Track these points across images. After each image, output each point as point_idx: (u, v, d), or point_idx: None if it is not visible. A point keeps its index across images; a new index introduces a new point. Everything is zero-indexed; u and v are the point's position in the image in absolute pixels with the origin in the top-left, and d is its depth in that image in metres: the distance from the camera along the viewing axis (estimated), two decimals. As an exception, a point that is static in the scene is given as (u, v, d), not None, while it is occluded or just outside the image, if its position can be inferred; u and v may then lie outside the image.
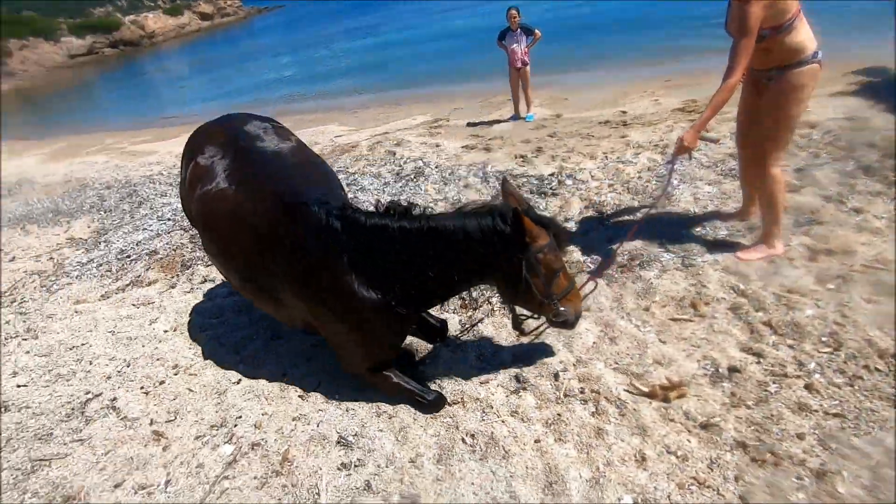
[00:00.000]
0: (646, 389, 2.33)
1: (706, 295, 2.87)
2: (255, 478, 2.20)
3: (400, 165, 5.79)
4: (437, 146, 6.60)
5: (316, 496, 2.06)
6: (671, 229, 3.49)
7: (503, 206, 2.13)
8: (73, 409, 2.84)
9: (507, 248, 2.08)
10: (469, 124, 7.59)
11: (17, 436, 2.69)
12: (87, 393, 2.95)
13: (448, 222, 2.10)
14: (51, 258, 5.27)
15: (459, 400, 2.45)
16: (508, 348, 2.74)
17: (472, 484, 2.02)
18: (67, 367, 3.27)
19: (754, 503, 1.82)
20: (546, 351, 2.66)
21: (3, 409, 2.93)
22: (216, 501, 2.11)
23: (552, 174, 4.78)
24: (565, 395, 2.39)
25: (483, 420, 2.31)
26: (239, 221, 2.38)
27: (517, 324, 2.53)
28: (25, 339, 3.74)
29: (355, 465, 2.17)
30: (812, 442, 2.00)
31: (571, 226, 3.85)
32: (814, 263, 2.95)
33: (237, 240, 2.41)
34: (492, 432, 2.23)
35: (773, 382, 2.28)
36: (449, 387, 2.55)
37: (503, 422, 2.29)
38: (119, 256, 4.89)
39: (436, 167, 5.55)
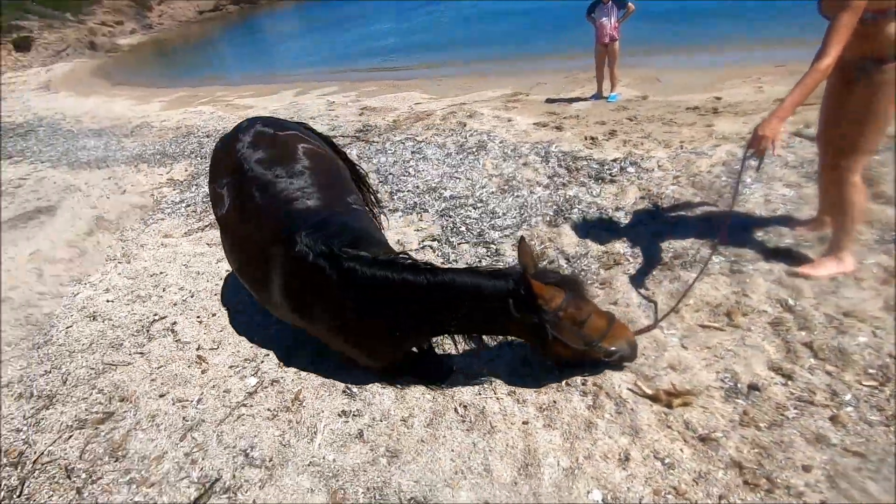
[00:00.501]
0: (650, 392, 2.25)
1: (746, 305, 2.66)
2: (268, 409, 2.46)
3: (465, 137, 5.80)
4: (509, 121, 6.50)
5: (313, 435, 2.27)
6: (729, 231, 3.23)
7: (516, 272, 2.14)
8: (142, 326, 3.30)
9: (521, 311, 2.11)
10: (548, 100, 7.37)
11: (97, 341, 3.20)
12: (155, 315, 3.41)
13: (456, 278, 2.11)
14: (152, 195, 6.00)
15: (462, 371, 2.52)
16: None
17: (452, 451, 2.11)
18: (146, 290, 3.78)
19: (733, 525, 1.74)
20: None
21: (94, 318, 3.48)
22: (232, 423, 2.39)
23: (616, 160, 4.56)
24: (566, 385, 2.37)
25: (479, 394, 2.38)
26: (246, 241, 2.57)
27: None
28: (120, 263, 4.36)
29: (353, 415, 2.35)
30: (819, 476, 1.84)
31: (621, 216, 3.68)
32: (886, 287, 2.61)
33: (245, 256, 2.63)
34: (484, 407, 2.29)
35: (795, 408, 2.10)
36: (457, 358, 2.63)
37: (498, 399, 2.33)
38: (204, 199, 5.45)
39: (500, 142, 5.49)
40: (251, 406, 2.49)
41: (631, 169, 4.34)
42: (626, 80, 7.35)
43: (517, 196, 4.22)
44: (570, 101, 7.18)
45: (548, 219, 3.78)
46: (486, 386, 2.42)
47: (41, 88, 20.30)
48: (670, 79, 7.35)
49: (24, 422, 2.59)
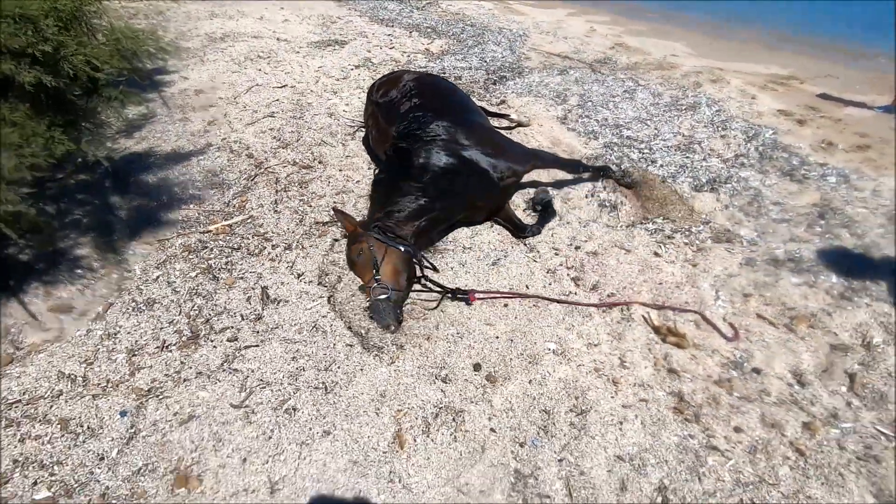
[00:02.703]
0: (656, 323, 2.49)
1: (821, 322, 2.53)
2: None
3: (686, 95, 5.58)
4: (752, 98, 5.91)
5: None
6: (876, 265, 2.88)
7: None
8: (352, 131, 4.55)
9: None
10: (820, 95, 6.32)
11: (324, 129, 4.55)
12: (362, 128, 4.63)
13: None
14: (408, 56, 7.34)
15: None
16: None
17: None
18: (368, 113, 5.04)
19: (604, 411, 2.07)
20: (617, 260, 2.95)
21: (331, 116, 4.89)
22: (365, 200, 3.42)
23: (825, 164, 4.05)
24: (591, 289, 2.75)
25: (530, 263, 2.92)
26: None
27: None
28: (364, 93, 5.75)
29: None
30: (743, 441, 2.00)
31: (775, 211, 3.46)
32: None
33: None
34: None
35: (781, 402, 2.16)
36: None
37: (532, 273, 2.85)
38: (441, 72, 6.53)
39: (716, 110, 5.19)
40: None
41: (833, 179, 3.85)
42: (942, 102, 5.80)
43: (687, 156, 4.18)
44: (849, 103, 6.06)
45: (695, 183, 3.75)
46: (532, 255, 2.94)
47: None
48: None
49: (269, 150, 4.07)
